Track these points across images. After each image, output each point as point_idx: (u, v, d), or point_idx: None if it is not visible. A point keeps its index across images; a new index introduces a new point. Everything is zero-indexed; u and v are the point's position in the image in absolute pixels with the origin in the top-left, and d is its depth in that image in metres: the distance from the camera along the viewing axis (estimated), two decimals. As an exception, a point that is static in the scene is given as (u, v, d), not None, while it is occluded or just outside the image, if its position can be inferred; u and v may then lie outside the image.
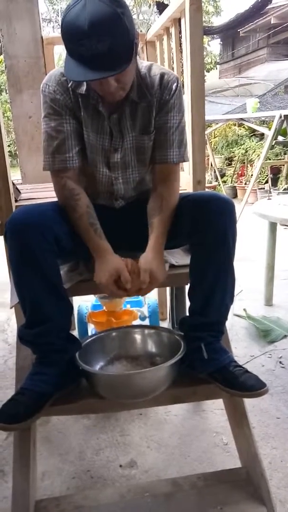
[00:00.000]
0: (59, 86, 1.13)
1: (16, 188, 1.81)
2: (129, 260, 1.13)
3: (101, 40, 0.92)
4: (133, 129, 1.19)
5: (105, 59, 0.95)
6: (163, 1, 9.94)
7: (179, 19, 1.73)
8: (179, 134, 1.21)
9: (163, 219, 1.17)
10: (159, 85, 1.16)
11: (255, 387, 1.07)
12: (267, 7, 11.31)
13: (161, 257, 1.16)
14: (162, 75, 1.16)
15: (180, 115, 1.20)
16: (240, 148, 7.29)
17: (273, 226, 2.53)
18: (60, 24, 0.99)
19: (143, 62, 1.19)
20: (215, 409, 1.63)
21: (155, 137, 1.21)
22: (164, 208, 1.17)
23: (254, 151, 6.91)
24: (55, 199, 1.21)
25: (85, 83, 1.12)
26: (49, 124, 1.16)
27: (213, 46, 16.85)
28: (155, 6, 11.16)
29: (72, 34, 0.95)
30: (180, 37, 1.75)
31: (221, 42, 17.36)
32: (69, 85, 1.13)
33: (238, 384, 1.08)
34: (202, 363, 1.14)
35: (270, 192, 5.91)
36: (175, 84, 1.17)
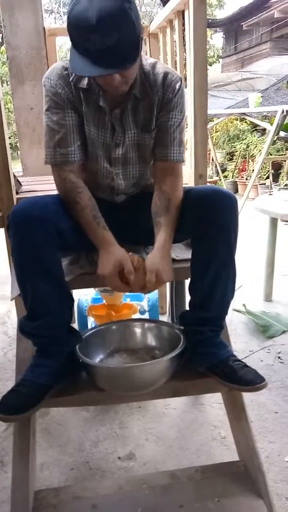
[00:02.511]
0: (61, 79, 1.12)
1: (17, 180, 1.81)
2: (135, 256, 1.12)
3: (109, 35, 0.91)
4: (135, 126, 1.19)
5: (111, 55, 0.94)
6: (166, -7, 9.85)
7: (183, 12, 1.71)
8: (179, 133, 1.20)
9: (171, 218, 1.15)
10: (162, 84, 1.15)
11: (254, 381, 1.07)
12: (270, 1, 11.24)
13: (169, 258, 1.14)
14: (165, 74, 1.16)
15: (181, 115, 1.20)
16: (241, 143, 7.27)
17: (273, 222, 2.53)
18: (66, 17, 0.96)
19: (148, 59, 1.19)
20: (214, 403, 1.64)
21: (156, 135, 1.20)
22: (171, 207, 1.16)
23: (256, 146, 6.89)
24: (57, 192, 1.20)
25: (86, 77, 1.11)
26: (51, 118, 1.15)
27: (216, 39, 16.77)
28: (158, -2, 11.07)
29: (79, 28, 0.93)
30: (184, 30, 1.74)
31: (224, 36, 17.26)
32: (71, 79, 1.12)
33: (237, 378, 1.08)
34: (202, 357, 1.15)
35: (271, 188, 5.91)
36: (178, 83, 1.16)
